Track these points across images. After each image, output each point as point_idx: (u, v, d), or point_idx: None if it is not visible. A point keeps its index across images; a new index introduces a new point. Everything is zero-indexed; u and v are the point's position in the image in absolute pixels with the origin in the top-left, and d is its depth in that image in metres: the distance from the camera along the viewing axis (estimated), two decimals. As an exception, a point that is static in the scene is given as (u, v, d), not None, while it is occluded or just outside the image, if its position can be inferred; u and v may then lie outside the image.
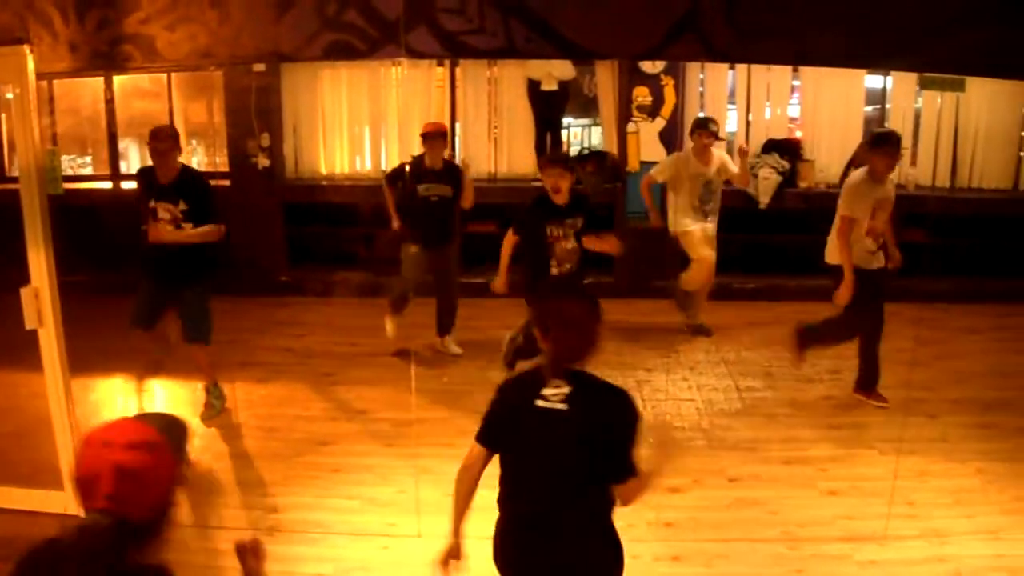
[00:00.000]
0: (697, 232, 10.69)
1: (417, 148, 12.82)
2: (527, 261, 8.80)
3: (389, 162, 13.42)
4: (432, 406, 9.12)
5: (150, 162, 8.41)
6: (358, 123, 13.41)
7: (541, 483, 4.33)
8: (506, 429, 4.43)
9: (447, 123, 13.26)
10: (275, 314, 11.86)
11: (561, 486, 4.28)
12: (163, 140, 8.32)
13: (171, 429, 3.05)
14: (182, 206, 8.28)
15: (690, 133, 10.83)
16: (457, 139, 13.43)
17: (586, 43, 6.60)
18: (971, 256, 12.67)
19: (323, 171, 13.41)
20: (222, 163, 13.09)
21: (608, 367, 9.94)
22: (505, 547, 4.51)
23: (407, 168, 10.41)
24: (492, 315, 10.77)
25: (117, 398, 9.30)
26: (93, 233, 11.96)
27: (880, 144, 8.78)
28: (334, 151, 13.43)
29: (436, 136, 10.10)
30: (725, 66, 13.00)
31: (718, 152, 10.79)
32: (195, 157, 13.93)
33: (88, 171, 14.01)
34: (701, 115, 11.35)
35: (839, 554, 6.52)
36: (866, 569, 6.45)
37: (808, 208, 11.25)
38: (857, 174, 8.90)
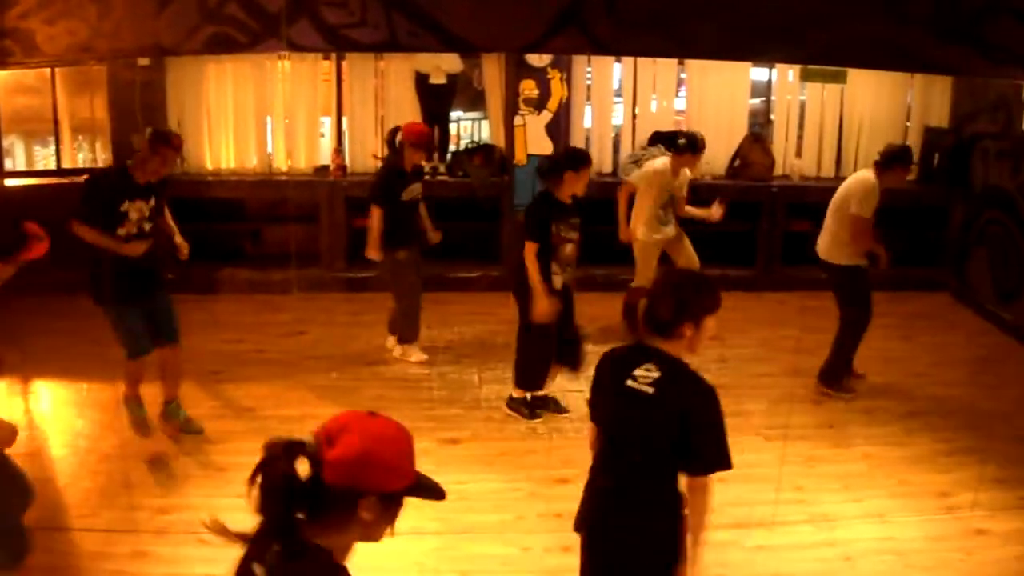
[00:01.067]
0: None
1: (303, 141, 12.76)
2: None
3: (276, 157, 13.29)
4: (320, 402, 9.05)
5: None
6: (244, 117, 13.25)
7: (619, 459, 4.57)
8: (599, 404, 4.70)
9: (334, 116, 13.20)
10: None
11: (636, 465, 4.49)
12: (180, 147, 8.11)
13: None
14: (152, 202, 7.96)
15: (678, 151, 10.69)
16: (344, 133, 13.32)
17: (469, 36, 6.59)
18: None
19: (209, 166, 13.23)
20: (106, 159, 12.90)
21: (495, 360, 10.07)
22: (584, 512, 4.83)
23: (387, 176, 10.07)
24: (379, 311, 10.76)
25: (1, 400, 9.09)
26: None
27: (901, 159, 9.15)
28: (220, 146, 13.26)
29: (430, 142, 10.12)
30: (612, 59, 13.06)
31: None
32: (80, 154, 13.71)
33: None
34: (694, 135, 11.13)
35: (728, 540, 6.57)
36: (755, 555, 6.51)
37: (694, 199, 11.29)
38: (868, 178, 9.14)
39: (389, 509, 3.06)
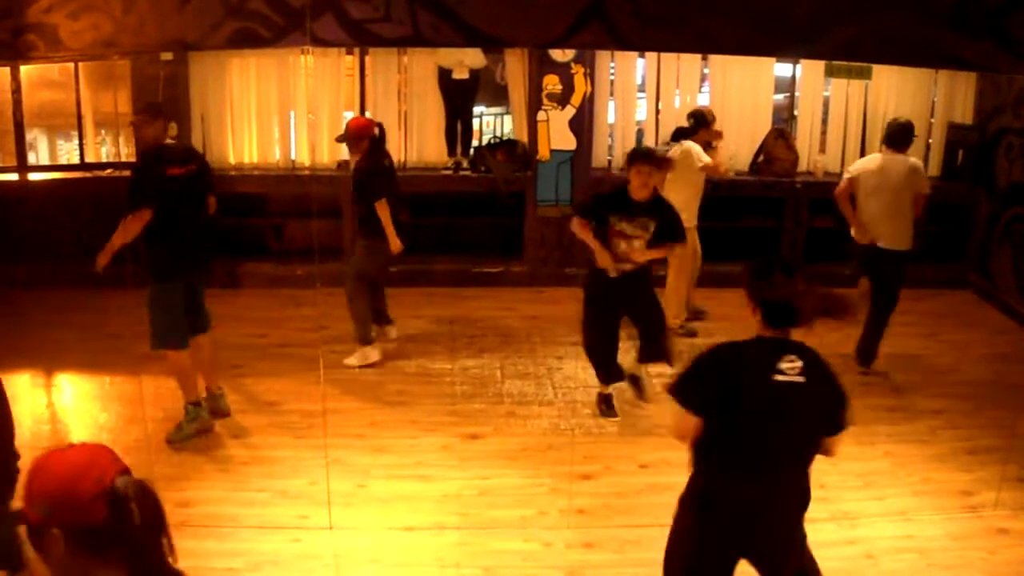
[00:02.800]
0: None
1: (326, 136, 12.77)
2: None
3: (299, 152, 13.31)
4: (343, 397, 9.08)
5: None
6: (267, 112, 13.25)
7: (780, 447, 4.74)
8: (726, 399, 4.67)
9: (357, 111, 13.19)
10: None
11: (796, 452, 4.79)
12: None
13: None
14: (194, 167, 8.13)
15: (692, 133, 10.72)
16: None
17: (493, 31, 6.59)
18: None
19: (232, 161, 13.24)
20: (128, 153, 12.93)
21: (517, 355, 10.03)
22: (723, 512, 4.82)
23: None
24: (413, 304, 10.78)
25: (25, 394, 9.14)
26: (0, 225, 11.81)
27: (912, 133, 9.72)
28: (243, 140, 13.26)
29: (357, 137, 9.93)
30: (635, 55, 13.02)
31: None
32: (103, 148, 13.74)
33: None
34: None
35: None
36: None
37: (717, 196, 11.27)
38: (911, 158, 9.64)
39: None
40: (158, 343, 8.12)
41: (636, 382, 9.05)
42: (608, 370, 8.87)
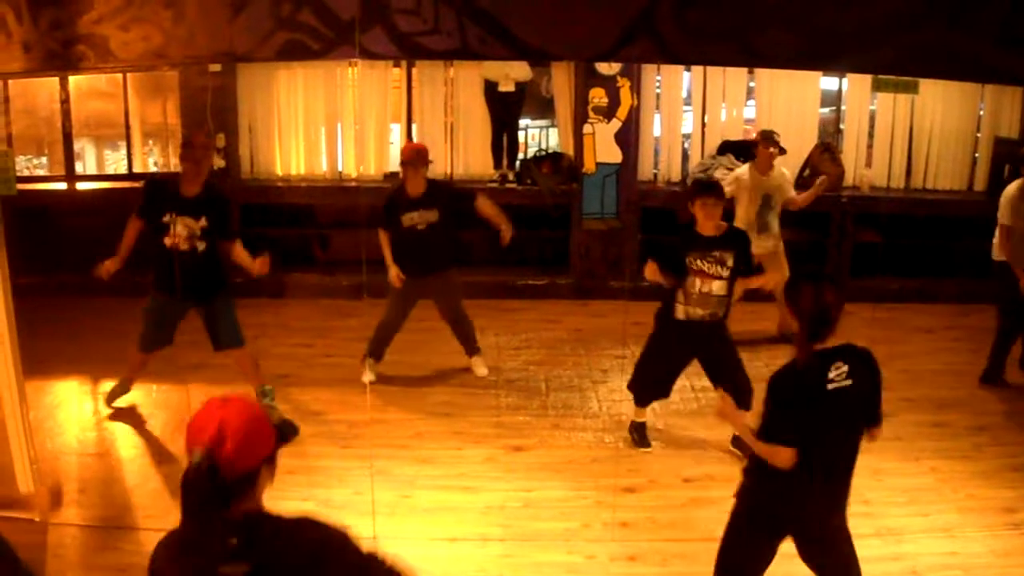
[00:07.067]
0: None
1: (373, 148, 12.84)
2: (663, 292, 8.12)
3: (345, 164, 13.40)
4: (387, 407, 9.11)
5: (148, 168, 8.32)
6: (314, 124, 13.35)
7: (836, 448, 5.08)
8: (802, 417, 4.95)
9: (404, 124, 13.25)
10: (231, 315, 11.80)
11: (851, 450, 5.13)
12: (199, 148, 8.21)
13: (282, 424, 3.60)
14: (203, 223, 8.16)
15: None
16: (414, 139, 13.35)
17: (541, 45, 6.58)
18: (926, 257, 12.73)
19: (279, 172, 13.34)
20: (177, 164, 13.04)
21: (562, 367, 10.05)
22: (793, 508, 5.23)
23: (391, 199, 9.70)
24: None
25: (72, 400, 9.24)
26: (47, 234, 11.90)
27: None
28: (290, 152, 13.36)
29: (414, 160, 9.45)
30: (681, 68, 13.03)
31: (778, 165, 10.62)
32: (151, 158, 13.86)
33: (43, 172, 13.90)
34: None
35: (794, 553, 6.54)
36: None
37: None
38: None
39: (275, 462, 3.53)
40: (139, 345, 8.70)
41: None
42: (644, 400, 8.60)
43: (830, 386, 4.90)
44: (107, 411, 9.02)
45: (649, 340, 8.36)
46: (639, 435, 8.64)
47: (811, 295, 4.95)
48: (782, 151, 10.39)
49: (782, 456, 4.95)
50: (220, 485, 3.17)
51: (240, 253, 8.45)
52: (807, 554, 5.38)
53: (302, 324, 11.53)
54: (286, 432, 3.58)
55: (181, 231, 8.08)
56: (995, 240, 9.69)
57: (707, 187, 7.99)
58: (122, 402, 9.08)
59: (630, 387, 8.58)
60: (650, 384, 8.48)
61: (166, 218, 8.09)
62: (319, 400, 9.32)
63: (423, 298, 9.85)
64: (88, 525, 7.11)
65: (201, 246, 8.18)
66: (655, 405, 8.83)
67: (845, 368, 4.93)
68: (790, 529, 5.30)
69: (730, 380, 7.94)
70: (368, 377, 9.75)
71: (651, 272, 7.85)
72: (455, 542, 6.93)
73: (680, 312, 7.90)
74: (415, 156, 9.45)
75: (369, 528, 6.73)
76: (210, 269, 8.38)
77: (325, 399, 9.32)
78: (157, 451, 8.30)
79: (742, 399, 7.75)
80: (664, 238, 8.69)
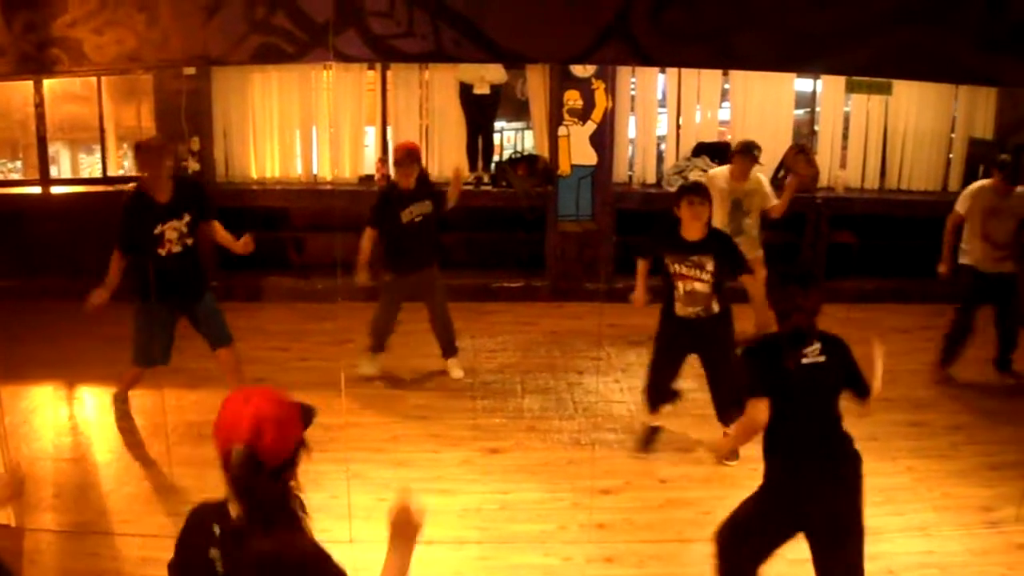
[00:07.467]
0: None
1: (348, 151, 12.82)
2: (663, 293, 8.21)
3: (320, 167, 13.37)
4: (363, 411, 9.09)
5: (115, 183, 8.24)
6: (289, 127, 13.33)
7: (813, 421, 5.40)
8: (775, 384, 5.29)
9: (379, 126, 13.24)
10: (206, 319, 11.74)
11: (827, 418, 5.45)
12: (154, 151, 8.12)
13: (304, 407, 3.65)
14: (186, 219, 8.13)
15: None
16: (389, 143, 13.33)
17: (515, 47, 6.59)
18: (900, 257, 12.76)
19: (254, 175, 13.30)
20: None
21: (538, 370, 10.05)
22: (786, 484, 5.50)
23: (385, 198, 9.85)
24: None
25: (48, 405, 9.19)
26: (22, 238, 11.85)
27: None
28: (265, 155, 13.33)
29: (404, 160, 9.61)
30: (656, 70, 13.04)
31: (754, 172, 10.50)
32: (125, 161, 13.81)
33: (17, 176, 13.83)
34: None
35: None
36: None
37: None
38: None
39: (306, 443, 3.64)
40: (136, 360, 8.52)
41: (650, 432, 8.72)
42: (655, 404, 8.54)
43: (804, 360, 5.25)
44: (82, 416, 9.00)
45: (655, 340, 8.40)
46: (647, 441, 8.60)
47: (791, 291, 5.33)
48: (757, 163, 10.38)
49: (757, 409, 5.27)
50: (264, 475, 3.35)
51: (222, 232, 8.53)
52: (818, 547, 5.55)
53: (277, 328, 11.50)
54: (309, 414, 3.65)
55: (171, 235, 8.05)
56: (962, 244, 9.87)
57: (693, 188, 8.05)
58: (96, 408, 9.05)
59: (645, 391, 8.61)
60: (661, 385, 8.46)
61: (156, 230, 8.03)
62: (294, 404, 9.27)
63: (412, 298, 9.95)
64: (64, 531, 7.09)
65: (190, 242, 8.18)
66: (631, 406, 8.82)
67: (819, 346, 5.29)
68: (799, 519, 5.50)
69: (716, 389, 8.26)
70: (368, 370, 9.88)
71: (644, 276, 8.32)
72: (431, 545, 6.90)
73: (680, 310, 8.02)
74: (405, 157, 9.63)
75: (345, 532, 6.73)
76: (196, 264, 8.38)
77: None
78: (133, 456, 8.28)
79: (725, 414, 8.09)
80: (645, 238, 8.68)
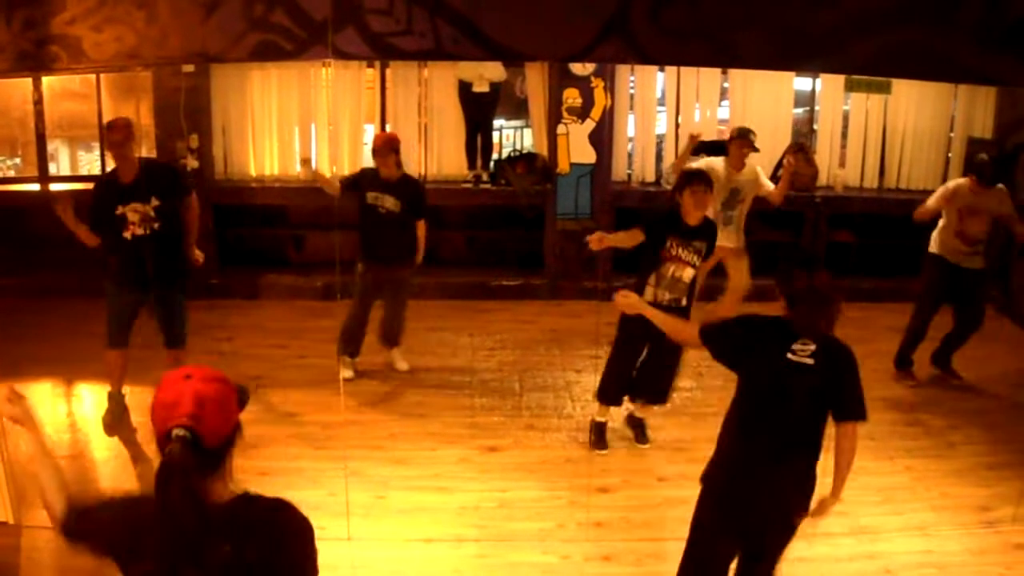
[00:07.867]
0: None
1: (347, 149, 12.82)
2: (638, 273, 8.20)
3: (319, 164, 13.37)
4: (361, 408, 9.10)
5: (95, 169, 8.19)
6: (288, 124, 13.31)
7: (781, 422, 5.08)
8: (739, 359, 5.25)
9: (377, 124, 13.23)
10: (204, 317, 11.44)
11: (796, 427, 5.10)
12: (119, 131, 7.94)
13: (240, 388, 3.45)
14: (154, 203, 8.02)
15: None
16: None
17: (513, 45, 6.60)
18: (899, 256, 12.75)
19: (253, 172, 13.28)
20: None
21: (536, 368, 10.05)
22: (731, 473, 5.30)
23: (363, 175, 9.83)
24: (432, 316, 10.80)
25: (45, 402, 9.18)
26: (21, 235, 11.84)
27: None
28: (264, 152, 13.31)
29: (384, 149, 9.52)
30: (655, 68, 13.04)
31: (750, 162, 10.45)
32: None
33: (16, 173, 13.82)
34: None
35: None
36: (795, 567, 6.48)
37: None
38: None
39: (241, 427, 3.44)
40: (107, 343, 8.48)
41: (637, 425, 8.77)
42: (612, 396, 8.53)
43: (791, 356, 5.01)
44: (80, 413, 9.00)
45: (618, 330, 8.32)
46: (598, 436, 8.58)
47: (803, 278, 5.10)
48: (754, 149, 10.32)
49: (688, 332, 5.52)
50: (205, 457, 3.23)
51: (192, 217, 8.51)
52: (749, 548, 5.42)
53: (276, 325, 11.48)
54: (244, 395, 3.50)
55: (133, 217, 7.98)
56: (934, 234, 10.04)
57: (697, 175, 8.10)
58: (94, 405, 9.05)
59: (602, 386, 8.51)
60: (623, 377, 8.42)
61: (118, 211, 7.96)
62: (293, 401, 9.29)
63: (378, 295, 9.90)
64: (62, 527, 7.09)
65: (157, 226, 8.07)
66: (628, 405, 8.79)
67: (812, 348, 5.01)
68: (744, 519, 5.28)
69: (654, 371, 8.40)
70: (346, 374, 9.75)
71: (629, 238, 8.11)
72: (430, 543, 6.93)
73: (649, 294, 7.94)
74: (382, 145, 9.60)
75: (344, 529, 6.73)
76: (170, 252, 8.26)
77: (299, 400, 9.29)
78: (130, 452, 8.28)
79: (657, 395, 8.49)
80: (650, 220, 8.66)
